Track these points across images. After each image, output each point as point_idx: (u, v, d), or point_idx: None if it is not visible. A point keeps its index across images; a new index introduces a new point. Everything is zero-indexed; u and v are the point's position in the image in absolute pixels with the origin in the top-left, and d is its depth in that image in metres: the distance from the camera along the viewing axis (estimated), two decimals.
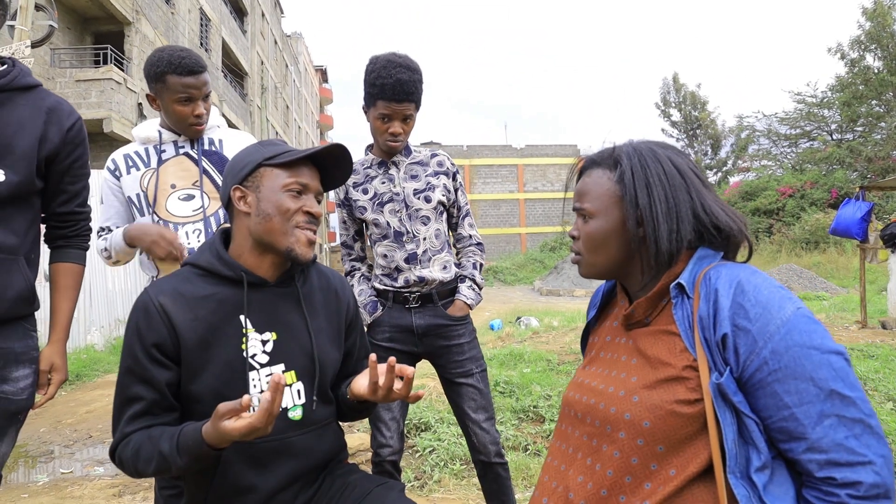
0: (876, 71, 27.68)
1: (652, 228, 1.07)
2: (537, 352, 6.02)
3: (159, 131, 2.06)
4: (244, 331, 1.29)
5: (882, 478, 0.89)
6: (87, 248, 1.78)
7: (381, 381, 1.23)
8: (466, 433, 2.12)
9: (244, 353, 1.28)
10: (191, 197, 2.01)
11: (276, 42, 32.92)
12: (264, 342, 1.31)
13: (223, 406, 1.08)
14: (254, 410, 1.08)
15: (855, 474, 0.89)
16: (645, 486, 1.00)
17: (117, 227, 2.06)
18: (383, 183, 2.11)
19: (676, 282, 1.07)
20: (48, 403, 5.60)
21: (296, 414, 1.32)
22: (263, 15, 29.27)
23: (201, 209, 2.00)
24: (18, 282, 1.53)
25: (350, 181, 2.14)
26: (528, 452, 3.53)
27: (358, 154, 2.18)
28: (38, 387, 1.62)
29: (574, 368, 5.38)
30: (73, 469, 3.86)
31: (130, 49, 14.10)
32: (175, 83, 1.93)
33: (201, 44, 18.93)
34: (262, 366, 1.30)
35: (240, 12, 25.44)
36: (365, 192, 2.12)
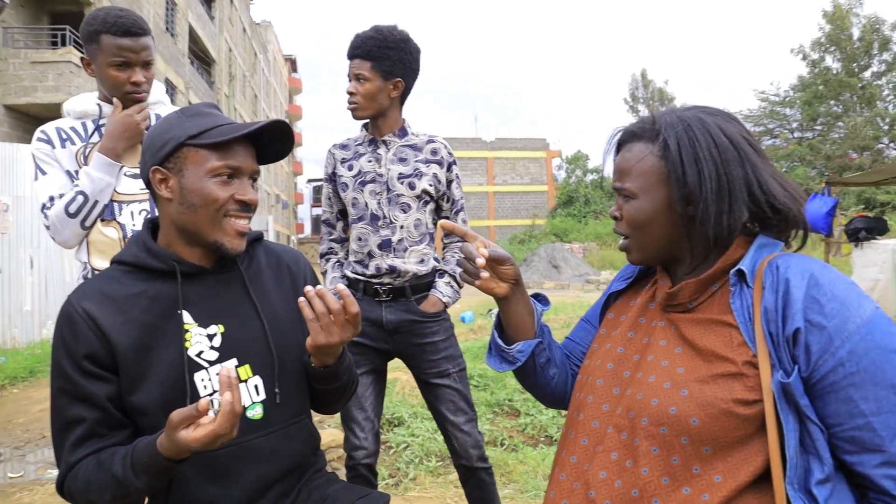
0: (835, 72, 28.72)
1: (702, 209, 0.96)
2: None
3: (98, 104, 1.87)
4: (185, 327, 1.15)
5: None
6: None
7: (308, 312, 1.11)
8: (446, 436, 2.01)
9: (188, 353, 1.14)
10: (137, 176, 1.81)
11: (244, 30, 32.24)
12: (210, 337, 1.17)
13: (176, 414, 0.95)
14: (214, 413, 0.94)
15: None
16: (683, 491, 0.90)
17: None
18: (369, 162, 1.99)
19: (737, 268, 0.97)
20: None
21: (255, 413, 1.17)
22: (232, 1, 28.61)
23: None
24: None
25: (339, 156, 2.05)
26: (504, 448, 3.46)
27: (350, 134, 2.12)
28: None
29: None
30: (23, 472, 3.62)
31: None
32: (110, 44, 1.72)
33: (167, 28, 18.38)
34: (211, 363, 1.15)
35: None
36: (350, 168, 2.02)
